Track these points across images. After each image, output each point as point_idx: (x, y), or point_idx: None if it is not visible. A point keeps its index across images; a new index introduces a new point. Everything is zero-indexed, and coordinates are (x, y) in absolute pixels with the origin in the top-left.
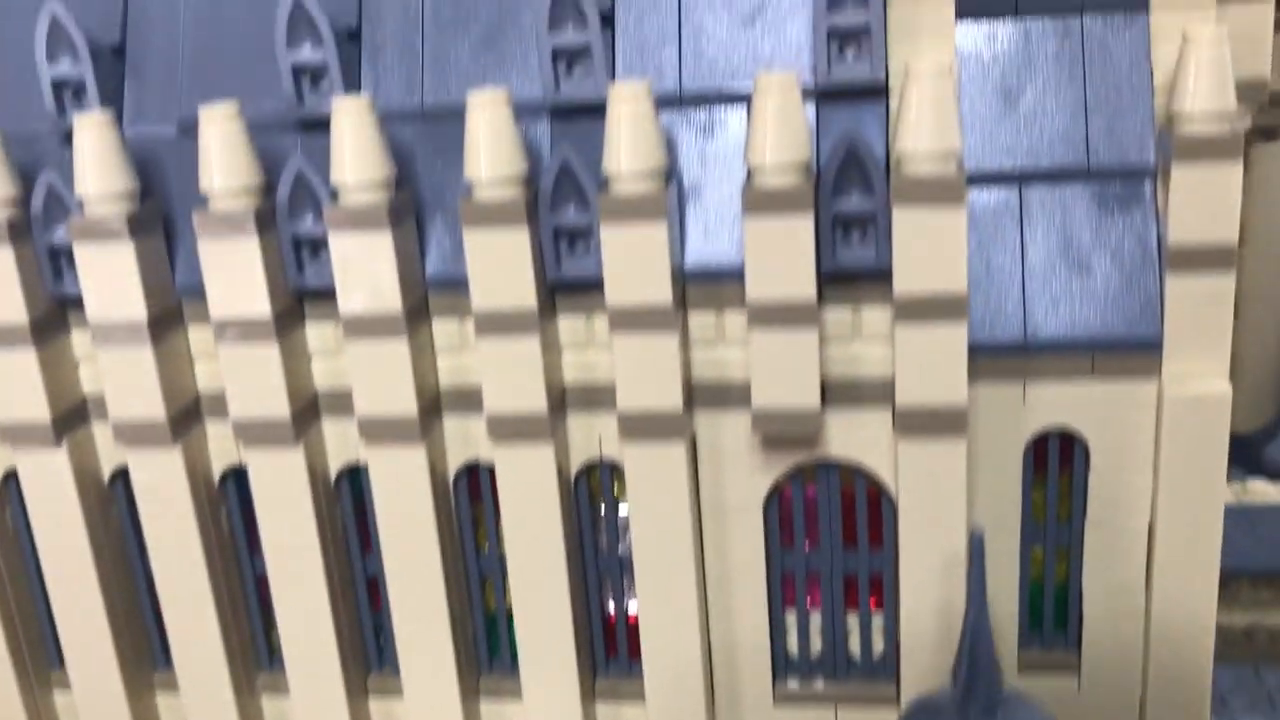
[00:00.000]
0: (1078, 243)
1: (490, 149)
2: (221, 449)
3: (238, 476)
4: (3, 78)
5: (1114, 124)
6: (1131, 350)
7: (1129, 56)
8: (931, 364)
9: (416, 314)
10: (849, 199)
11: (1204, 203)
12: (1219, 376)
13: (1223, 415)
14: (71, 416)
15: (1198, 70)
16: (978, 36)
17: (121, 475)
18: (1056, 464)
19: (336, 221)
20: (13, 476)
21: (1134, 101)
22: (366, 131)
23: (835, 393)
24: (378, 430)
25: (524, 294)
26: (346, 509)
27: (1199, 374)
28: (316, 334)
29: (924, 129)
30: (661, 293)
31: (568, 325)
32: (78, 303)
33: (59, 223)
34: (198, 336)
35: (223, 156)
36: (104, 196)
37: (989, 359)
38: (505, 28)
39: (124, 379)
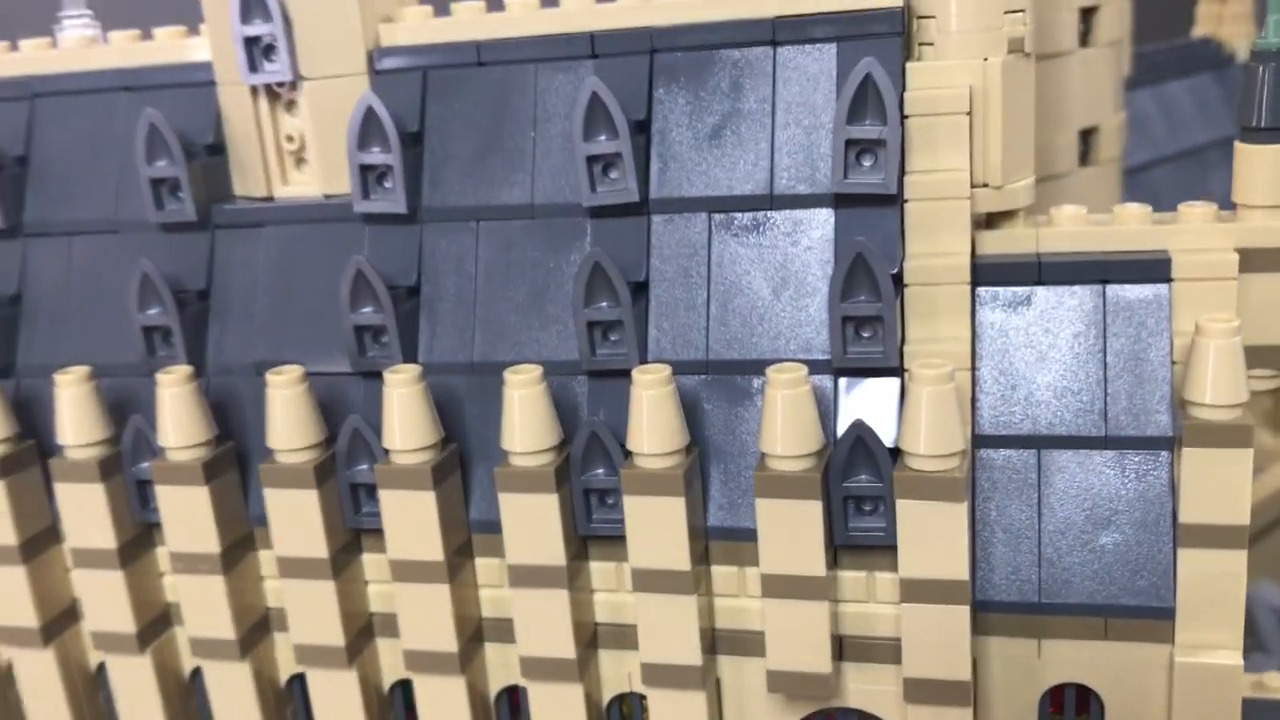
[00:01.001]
0: (1095, 507)
1: (523, 424)
2: (286, 659)
3: (300, 683)
4: (101, 321)
5: (1134, 392)
6: (1145, 617)
7: (1150, 326)
8: (935, 641)
9: (459, 554)
10: (859, 479)
11: (1215, 486)
12: (1231, 648)
13: (1234, 686)
14: (156, 623)
15: (1210, 361)
16: (1001, 303)
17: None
18: (1073, 712)
19: (385, 479)
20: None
21: (1154, 372)
22: (415, 403)
23: (851, 649)
24: (423, 662)
25: (554, 552)
26: (399, 716)
27: (1211, 645)
28: (373, 563)
29: (926, 432)
30: (680, 559)
31: (599, 569)
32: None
33: (145, 458)
34: (267, 557)
35: (285, 418)
36: (181, 446)
37: (1003, 615)
38: (548, 294)
39: (198, 600)
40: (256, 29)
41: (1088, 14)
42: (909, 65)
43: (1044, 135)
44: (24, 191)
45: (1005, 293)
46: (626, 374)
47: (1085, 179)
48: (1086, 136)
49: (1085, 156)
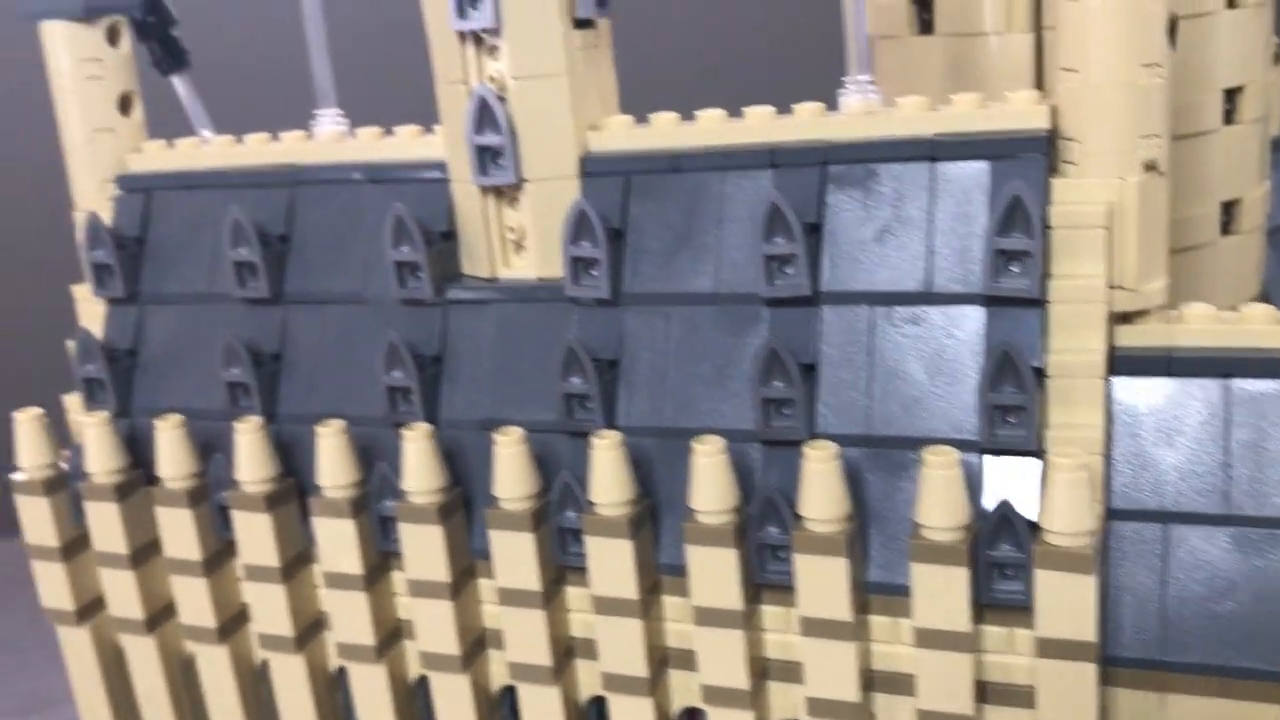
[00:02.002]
0: (1215, 578)
1: (707, 488)
2: (497, 672)
3: (510, 695)
4: (350, 380)
5: (1255, 476)
6: (1258, 679)
7: (1271, 418)
8: (1066, 691)
9: (651, 593)
10: (1002, 548)
11: None
12: None
13: None
14: (390, 637)
15: None
16: (1132, 391)
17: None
18: None
19: (590, 527)
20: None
21: (1274, 459)
22: (616, 464)
23: (992, 694)
24: (618, 684)
25: (732, 597)
26: None
27: None
28: (576, 596)
29: (1061, 513)
30: (842, 610)
31: (771, 612)
32: None
33: (388, 499)
34: (487, 586)
35: (508, 472)
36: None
37: (1129, 670)
38: (729, 371)
39: (429, 619)
40: (488, 139)
41: (1232, 94)
42: (1054, 181)
43: (1185, 209)
44: (286, 265)
45: (1138, 383)
46: (797, 443)
47: (1226, 248)
48: (1229, 207)
49: (1227, 226)
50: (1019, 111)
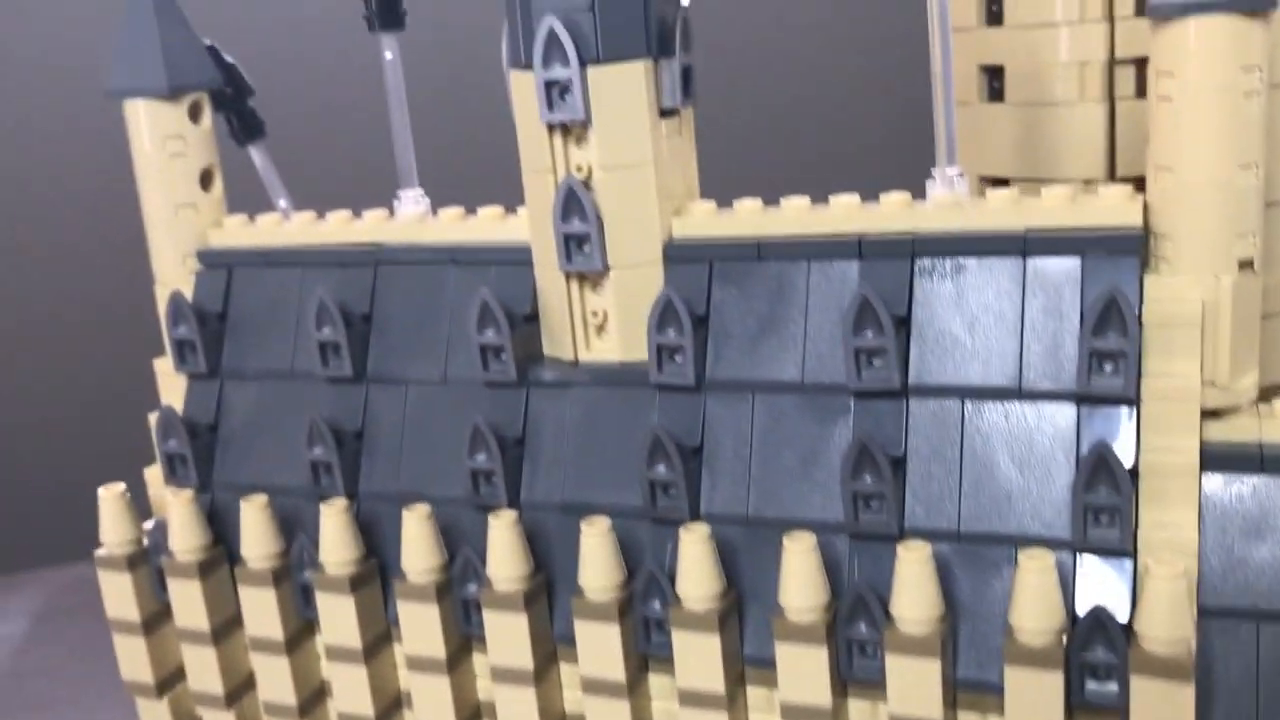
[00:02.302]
0: None
1: (798, 583)
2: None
3: None
4: (432, 460)
5: None
6: None
7: None
8: None
9: (734, 685)
10: (1096, 652)
11: None
12: None
13: None
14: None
15: None
16: (1222, 487)
17: None
18: None
19: (677, 621)
20: None
21: None
22: (703, 558)
23: None
24: None
25: (820, 694)
26: None
27: None
28: (658, 684)
29: (1160, 621)
30: (933, 709)
31: (857, 707)
32: None
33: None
34: (569, 671)
35: (594, 561)
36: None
37: None
38: (815, 461)
39: (511, 704)
40: (574, 228)
41: None
42: (1147, 278)
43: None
44: (369, 345)
45: (1228, 479)
46: (886, 537)
47: None
48: None
49: None
50: (1111, 207)
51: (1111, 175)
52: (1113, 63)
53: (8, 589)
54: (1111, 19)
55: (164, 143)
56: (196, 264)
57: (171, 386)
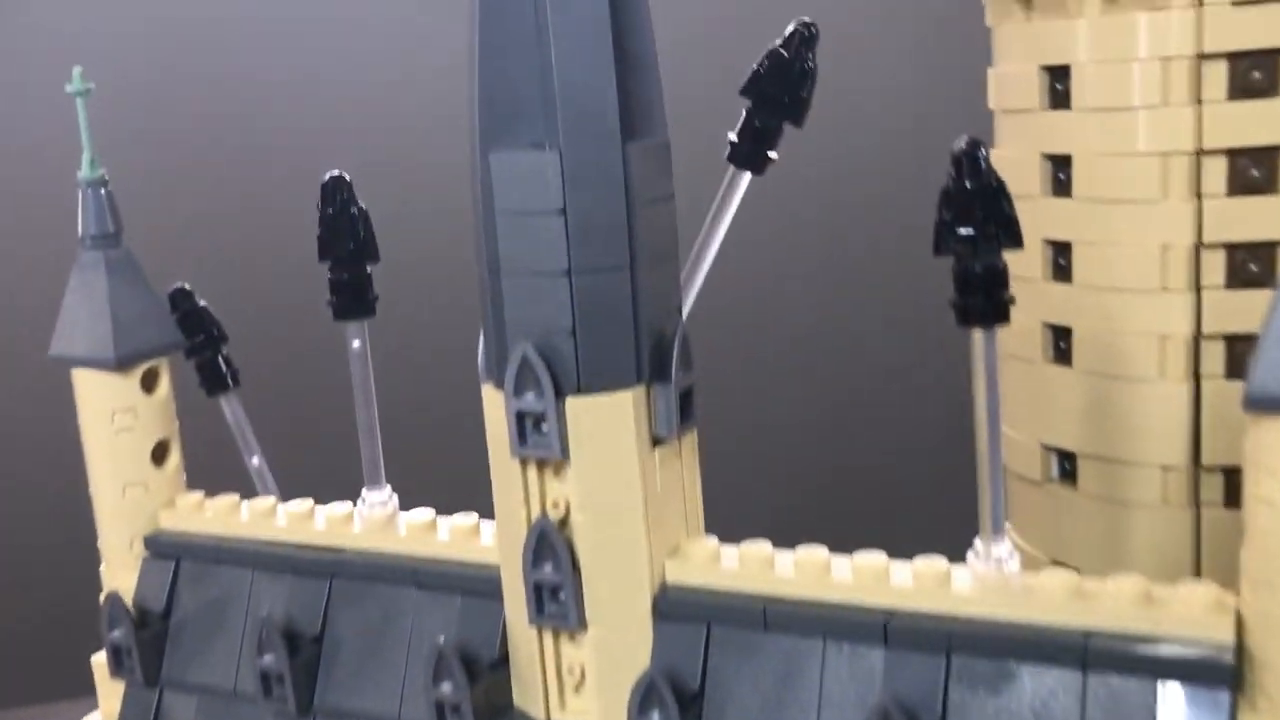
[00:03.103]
0: None
1: None
2: None
3: None
4: None
5: None
6: None
7: None
8: None
9: None
10: None
11: None
12: None
13: None
14: None
15: None
16: None
17: None
18: None
19: None
20: None
21: None
22: None
23: None
24: None
25: None
26: None
27: None
28: None
29: None
30: None
31: None
32: None
33: None
34: None
35: None
36: None
37: None
38: None
39: None
40: (546, 576)
41: None
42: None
43: None
44: (317, 673)
45: None
46: None
47: None
48: None
49: None
50: (1195, 618)
51: (1196, 460)
52: (1199, 337)
53: None
54: (1199, 289)
55: (112, 417)
56: (143, 549)
57: (109, 691)
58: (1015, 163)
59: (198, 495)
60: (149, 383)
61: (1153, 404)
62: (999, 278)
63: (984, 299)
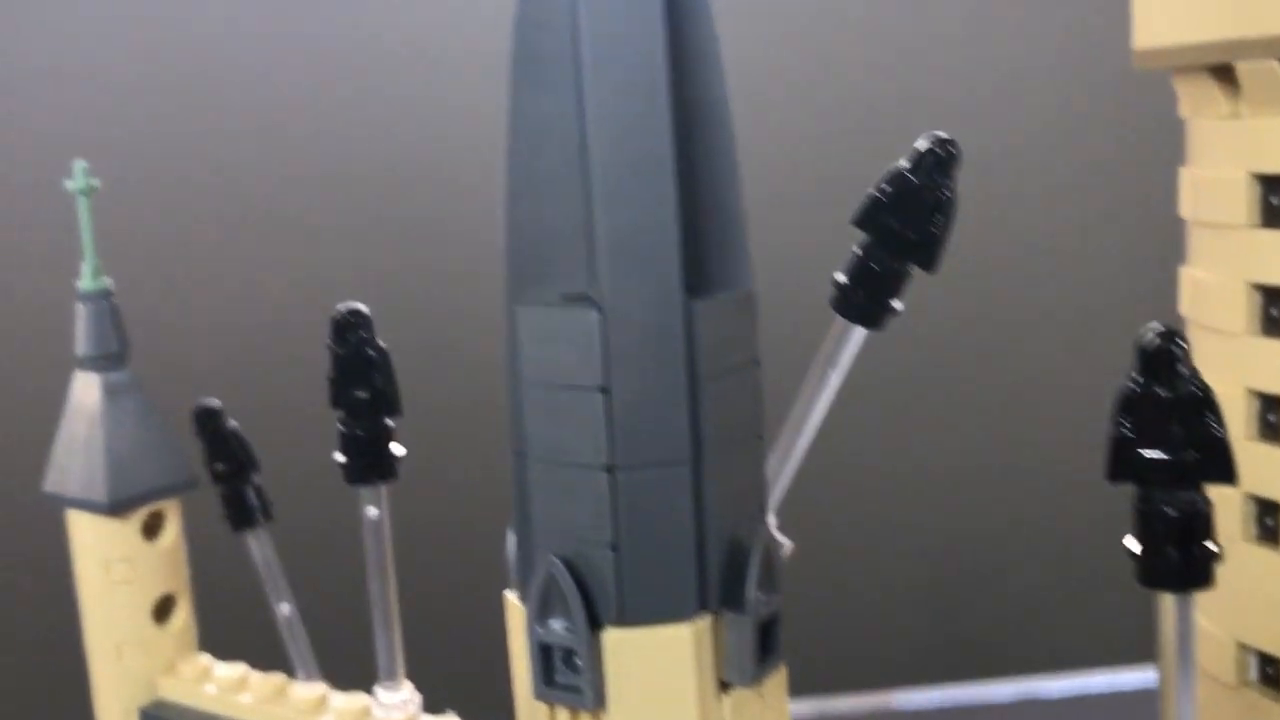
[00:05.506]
0: None
1: None
2: None
3: None
4: None
5: None
6: None
7: None
8: None
9: None
10: None
11: None
12: None
13: None
14: None
15: None
16: None
17: None
18: None
19: None
20: None
21: None
22: None
23: None
24: None
25: None
26: None
27: None
28: None
29: None
30: None
31: None
32: None
33: None
34: None
35: None
36: None
37: None
38: None
39: None
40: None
41: None
42: None
43: None
44: None
45: None
46: None
47: None
48: None
49: None
50: None
51: None
52: None
53: None
54: None
55: (108, 567)
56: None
57: None
58: (1213, 289)
59: (204, 661)
60: (152, 528)
61: None
62: (1200, 525)
63: (1179, 553)
